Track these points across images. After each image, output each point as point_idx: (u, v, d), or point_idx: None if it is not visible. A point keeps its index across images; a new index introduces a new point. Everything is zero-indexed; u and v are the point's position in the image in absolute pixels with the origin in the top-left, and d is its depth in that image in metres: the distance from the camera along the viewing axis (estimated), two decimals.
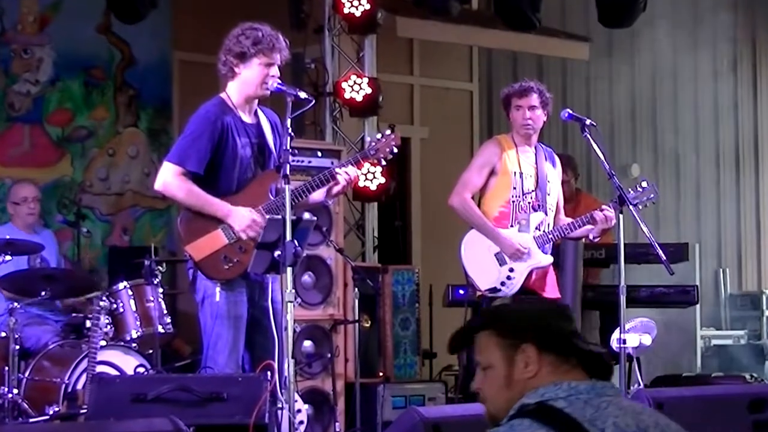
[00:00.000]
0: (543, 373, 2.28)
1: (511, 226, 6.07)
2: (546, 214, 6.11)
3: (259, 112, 5.14)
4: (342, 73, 8.74)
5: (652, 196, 5.91)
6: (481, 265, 6.04)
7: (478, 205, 6.14)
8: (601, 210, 5.95)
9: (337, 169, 5.05)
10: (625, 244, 5.65)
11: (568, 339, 2.30)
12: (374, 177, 8.44)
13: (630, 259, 6.97)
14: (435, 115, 10.70)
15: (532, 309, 2.42)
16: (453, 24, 9.59)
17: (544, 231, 6.07)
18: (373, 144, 5.22)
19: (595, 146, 5.68)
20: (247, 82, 5.02)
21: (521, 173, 6.08)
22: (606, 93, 11.79)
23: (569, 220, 6.16)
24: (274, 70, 5.00)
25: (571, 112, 5.88)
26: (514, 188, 6.06)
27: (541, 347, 2.30)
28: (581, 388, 2.24)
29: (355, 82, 8.54)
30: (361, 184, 8.41)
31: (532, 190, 6.07)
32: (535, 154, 6.16)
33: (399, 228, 9.48)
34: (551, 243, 6.11)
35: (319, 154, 7.58)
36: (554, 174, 6.22)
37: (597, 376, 2.29)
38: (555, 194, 6.19)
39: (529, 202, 6.08)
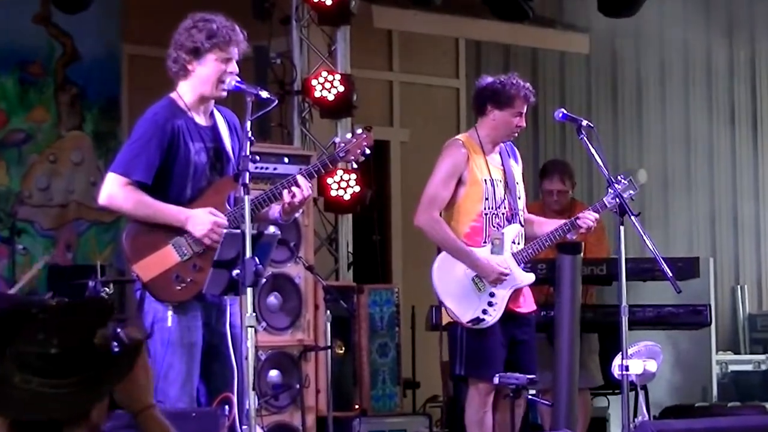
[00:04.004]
0: None
1: (484, 243, 5.94)
2: (522, 225, 6.01)
3: (216, 113, 5.12)
4: (312, 68, 8.76)
5: (631, 192, 5.93)
6: (459, 292, 5.92)
7: (445, 221, 5.97)
8: (578, 218, 5.98)
9: (298, 176, 5.01)
10: (628, 260, 5.67)
11: None
12: (348, 185, 8.44)
13: (634, 275, 7.03)
14: (417, 115, 10.72)
15: None
16: (437, 13, 9.63)
17: (520, 244, 5.99)
18: (343, 145, 5.20)
19: (592, 150, 5.70)
20: (202, 81, 5.01)
21: (492, 180, 5.94)
22: (609, 91, 11.84)
23: (544, 220, 6.15)
24: (232, 66, 5.00)
25: (565, 112, 5.88)
26: (486, 199, 5.92)
27: None
28: None
29: (326, 79, 8.54)
30: (333, 193, 8.42)
31: (504, 199, 5.97)
32: (500, 153, 6.06)
33: (377, 242, 9.47)
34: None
35: (286, 159, 7.58)
36: (518, 171, 6.11)
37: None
38: (523, 196, 6.09)
39: (503, 213, 5.96)
